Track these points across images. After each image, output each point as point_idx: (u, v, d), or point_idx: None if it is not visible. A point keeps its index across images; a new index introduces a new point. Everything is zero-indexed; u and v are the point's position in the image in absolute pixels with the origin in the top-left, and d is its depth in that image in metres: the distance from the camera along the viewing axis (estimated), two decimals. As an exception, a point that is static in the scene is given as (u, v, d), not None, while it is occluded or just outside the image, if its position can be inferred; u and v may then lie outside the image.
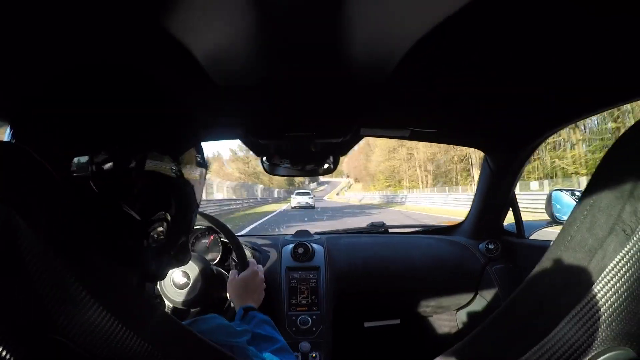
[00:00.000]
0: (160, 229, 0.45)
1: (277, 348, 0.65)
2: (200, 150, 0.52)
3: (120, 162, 0.40)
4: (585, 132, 20.11)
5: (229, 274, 1.00)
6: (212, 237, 1.28)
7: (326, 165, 1.23)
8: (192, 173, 0.49)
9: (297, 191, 23.75)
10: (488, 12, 0.53)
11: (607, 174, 0.42)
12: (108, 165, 0.39)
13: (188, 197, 0.49)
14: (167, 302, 1.00)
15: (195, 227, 1.28)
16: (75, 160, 0.39)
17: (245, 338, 0.52)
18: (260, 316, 0.76)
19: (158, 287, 1.00)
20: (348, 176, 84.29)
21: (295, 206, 21.76)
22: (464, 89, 0.87)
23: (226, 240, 1.17)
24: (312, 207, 21.62)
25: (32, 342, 0.31)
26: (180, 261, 0.52)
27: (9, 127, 0.44)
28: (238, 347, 0.49)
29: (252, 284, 0.90)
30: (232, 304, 1.01)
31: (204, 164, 0.52)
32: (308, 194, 23.30)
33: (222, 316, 0.54)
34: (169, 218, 0.46)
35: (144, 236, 0.43)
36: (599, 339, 0.38)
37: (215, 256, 1.25)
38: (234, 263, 1.14)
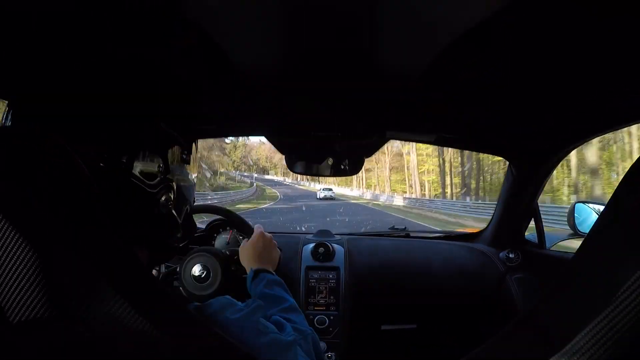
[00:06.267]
0: (167, 195, 0.49)
1: (284, 308, 0.65)
2: (187, 148, 0.57)
3: (110, 161, 0.43)
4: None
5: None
6: (231, 232, 1.29)
7: (348, 167, 1.22)
8: (179, 173, 0.53)
9: (323, 187, 30.39)
10: (518, 20, 0.54)
11: (632, 186, 0.42)
12: (100, 162, 0.42)
13: (180, 191, 0.54)
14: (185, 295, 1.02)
15: (215, 222, 1.31)
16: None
17: (250, 309, 0.50)
18: (270, 277, 0.75)
19: (178, 281, 1.02)
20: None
21: (321, 197, 27.19)
22: (492, 95, 0.87)
23: (245, 236, 1.19)
24: (334, 199, 27.19)
25: (47, 329, 0.31)
26: (188, 230, 0.57)
27: (7, 107, 0.44)
28: (247, 324, 0.48)
29: (259, 246, 0.89)
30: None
31: (187, 160, 0.57)
32: (331, 189, 29.89)
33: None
34: (174, 187, 0.50)
35: (154, 203, 0.47)
36: (617, 354, 0.38)
37: (236, 252, 1.28)
38: (241, 237, 1.16)
